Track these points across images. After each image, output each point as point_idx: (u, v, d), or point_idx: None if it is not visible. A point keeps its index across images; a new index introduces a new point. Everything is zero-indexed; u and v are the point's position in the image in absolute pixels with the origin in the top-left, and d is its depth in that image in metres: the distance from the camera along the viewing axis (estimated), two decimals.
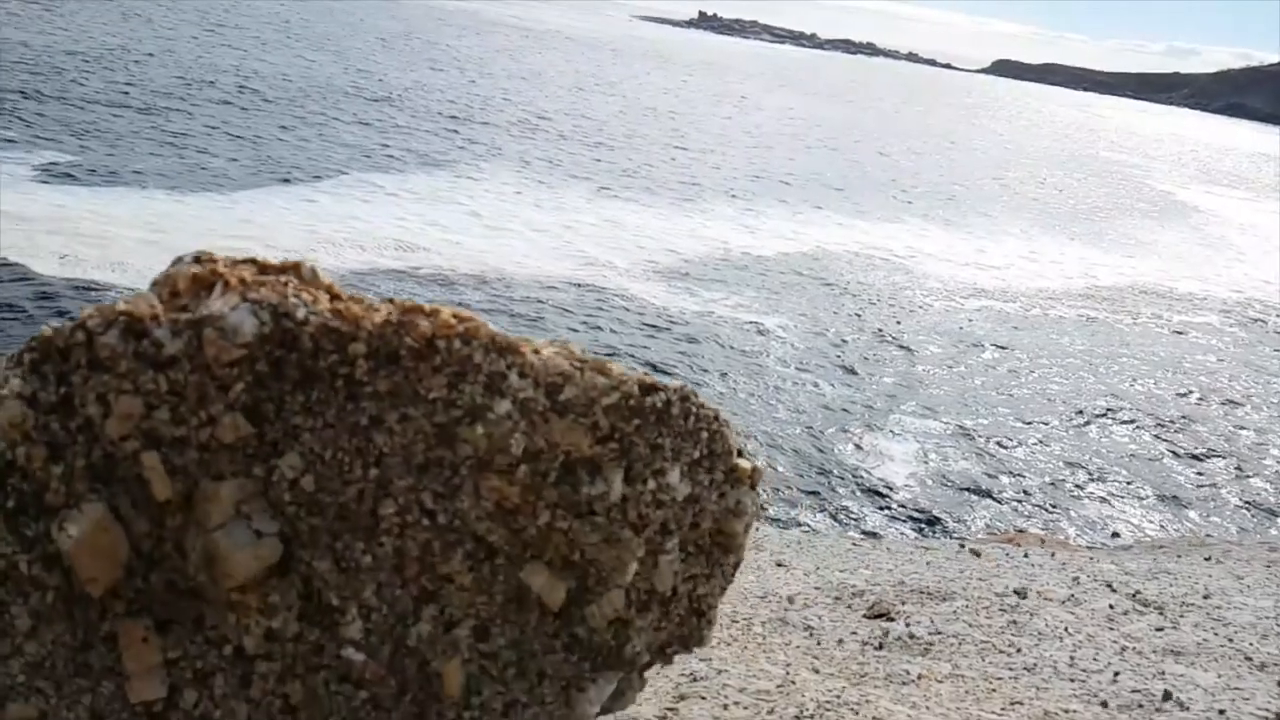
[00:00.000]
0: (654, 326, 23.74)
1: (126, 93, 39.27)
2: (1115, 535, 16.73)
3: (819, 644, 3.01)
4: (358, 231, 26.70)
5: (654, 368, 21.19)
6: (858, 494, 17.54)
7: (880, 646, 3.03)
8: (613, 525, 1.45)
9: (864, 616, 3.38)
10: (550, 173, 38.59)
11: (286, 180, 30.81)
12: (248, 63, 51.52)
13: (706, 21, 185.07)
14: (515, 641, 1.44)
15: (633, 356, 21.68)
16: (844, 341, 24.80)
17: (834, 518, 16.62)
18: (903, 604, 3.52)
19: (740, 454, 1.59)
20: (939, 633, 3.15)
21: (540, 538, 1.42)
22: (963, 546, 5.35)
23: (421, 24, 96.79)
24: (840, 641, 3.06)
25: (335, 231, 26.22)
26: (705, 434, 1.55)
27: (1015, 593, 3.73)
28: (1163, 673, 2.92)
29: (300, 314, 1.29)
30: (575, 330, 22.63)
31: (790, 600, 3.50)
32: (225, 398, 1.27)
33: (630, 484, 1.47)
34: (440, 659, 1.40)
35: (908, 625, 3.22)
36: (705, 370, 21.52)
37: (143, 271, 22.04)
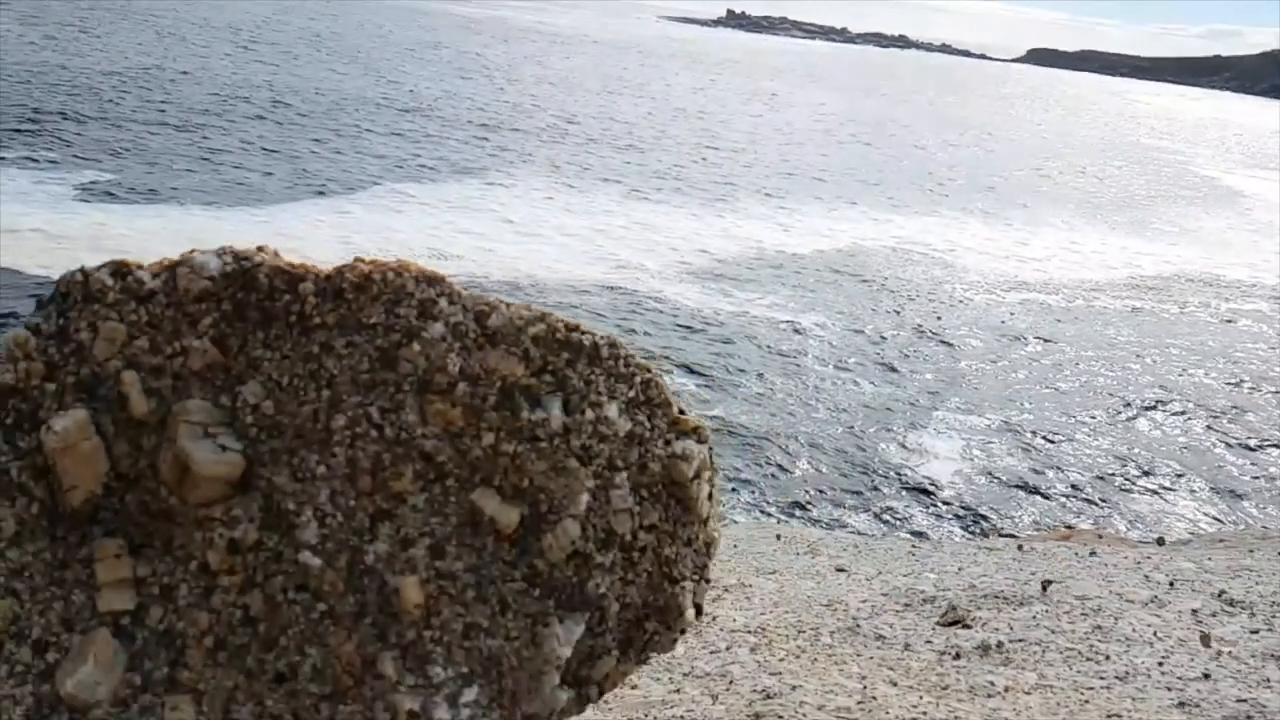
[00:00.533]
0: (688, 328, 23.55)
1: (163, 111, 39.85)
2: (1171, 529, 16.28)
3: (894, 654, 2.85)
4: (391, 241, 26.79)
5: (689, 369, 21.02)
6: (903, 493, 17.22)
7: (958, 656, 2.86)
8: (558, 453, 1.54)
9: (937, 624, 3.21)
10: (580, 177, 38.55)
11: (321, 193, 31.04)
12: (280, 78, 52.11)
13: (735, 19, 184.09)
14: (473, 566, 1.50)
15: (668, 358, 21.51)
16: (883, 338, 24.44)
17: (879, 518, 16.33)
18: (977, 610, 3.33)
19: (681, 411, 1.69)
20: (1020, 640, 2.97)
21: (487, 460, 1.52)
22: (1020, 548, 5.13)
23: (449, 33, 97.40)
24: (915, 651, 2.90)
25: (369, 242, 26.32)
26: (639, 380, 1.65)
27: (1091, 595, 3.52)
28: (1267, 680, 2.69)
29: (257, 259, 1.53)
30: (609, 334, 22.48)
31: (857, 608, 3.36)
32: (195, 330, 1.47)
33: (569, 414, 1.57)
34: (397, 576, 1.47)
35: (985, 632, 3.05)
36: (742, 370, 21.29)
37: None
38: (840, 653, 2.88)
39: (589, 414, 1.59)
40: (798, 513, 16.12)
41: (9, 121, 34.78)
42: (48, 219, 25.40)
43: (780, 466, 17.51)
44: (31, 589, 1.41)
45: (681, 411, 1.69)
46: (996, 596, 3.51)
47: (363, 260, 1.59)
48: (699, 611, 1.73)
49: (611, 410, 1.61)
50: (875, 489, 17.22)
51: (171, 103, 41.65)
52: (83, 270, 1.50)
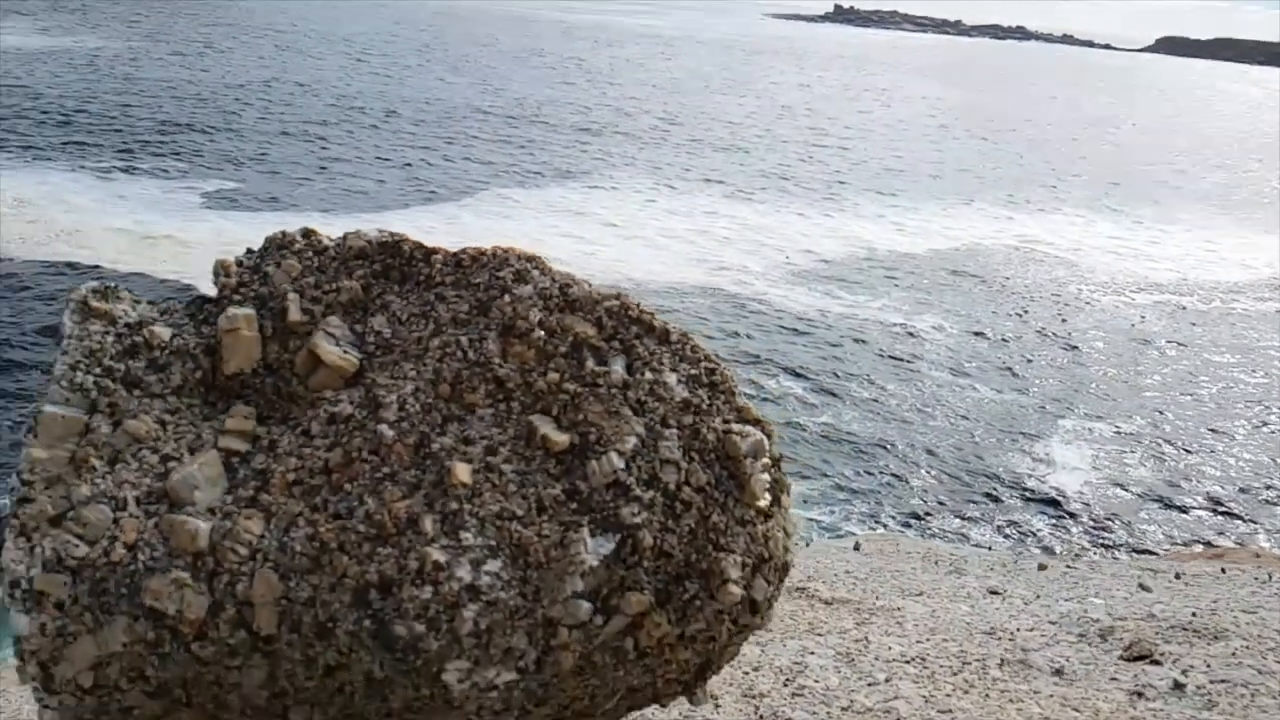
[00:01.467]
0: (794, 331, 22.89)
1: (282, 122, 41.39)
2: None
3: (1076, 692, 2.56)
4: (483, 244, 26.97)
5: (795, 373, 20.39)
6: (1028, 505, 16.23)
7: (1152, 697, 2.57)
8: (614, 400, 1.79)
9: (1121, 658, 2.88)
10: (683, 178, 38.21)
11: (430, 199, 31.62)
12: (392, 88, 53.59)
13: (842, 14, 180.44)
14: (520, 471, 1.75)
15: (772, 361, 20.92)
16: (1003, 342, 23.24)
17: (1002, 531, 15.41)
18: (1165, 643, 2.97)
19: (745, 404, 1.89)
20: (1223, 681, 2.64)
21: (549, 393, 1.80)
22: (1178, 576, 4.53)
23: (553, 40, 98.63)
24: (1101, 689, 2.59)
25: (466, 246, 26.57)
26: (704, 364, 1.91)
27: None
28: None
29: (404, 236, 2.01)
30: (712, 337, 22.05)
31: (1025, 636, 3.01)
32: (349, 275, 1.94)
33: (630, 374, 1.83)
34: (453, 461, 1.73)
35: (1178, 670, 2.71)
36: (851, 375, 20.52)
37: None
38: (1014, 689, 2.59)
39: (648, 375, 1.85)
40: (914, 523, 15.34)
41: (142, 134, 36.68)
42: (178, 226, 26.56)
43: (895, 475, 16.74)
44: (176, 423, 1.82)
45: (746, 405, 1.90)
46: (1184, 629, 3.13)
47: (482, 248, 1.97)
48: (755, 608, 1.81)
49: (670, 378, 1.86)
50: (998, 500, 16.29)
51: (290, 114, 43.24)
52: (283, 231, 2.00)
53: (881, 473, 16.80)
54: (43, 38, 63.65)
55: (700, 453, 1.80)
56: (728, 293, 25.26)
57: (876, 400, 19.57)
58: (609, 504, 1.73)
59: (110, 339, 1.85)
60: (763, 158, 44.00)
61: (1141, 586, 4.01)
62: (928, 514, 15.73)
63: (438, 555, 1.64)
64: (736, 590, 1.76)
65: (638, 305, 1.89)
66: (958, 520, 15.63)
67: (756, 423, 1.88)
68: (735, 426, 1.85)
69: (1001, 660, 2.91)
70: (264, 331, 1.89)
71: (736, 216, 33.01)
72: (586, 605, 1.68)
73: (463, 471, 1.72)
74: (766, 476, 1.85)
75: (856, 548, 5.52)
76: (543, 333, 1.84)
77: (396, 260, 1.98)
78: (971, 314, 25.02)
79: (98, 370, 1.80)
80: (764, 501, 1.82)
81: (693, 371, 1.87)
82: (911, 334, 23.35)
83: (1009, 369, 21.69)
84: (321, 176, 33.25)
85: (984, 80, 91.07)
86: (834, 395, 19.64)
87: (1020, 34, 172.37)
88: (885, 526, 15.06)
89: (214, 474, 1.75)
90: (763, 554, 1.81)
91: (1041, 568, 4.72)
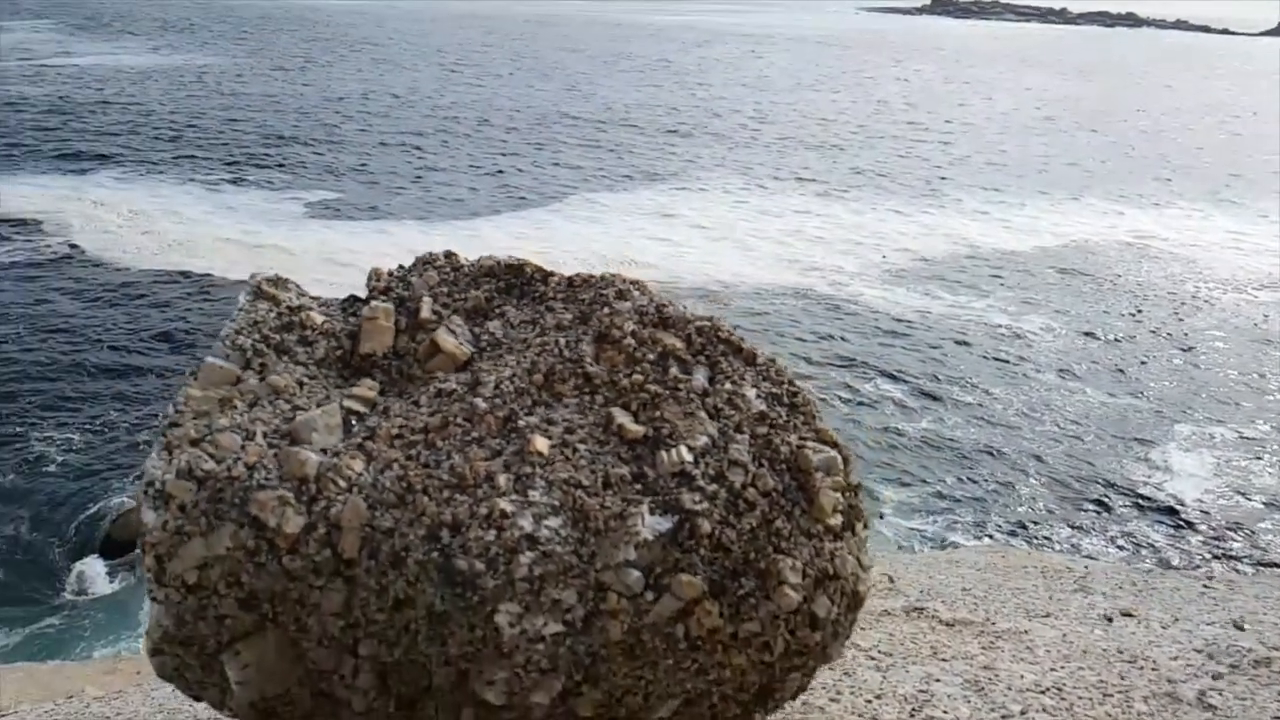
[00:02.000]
0: (892, 333, 22.18)
1: (380, 133, 42.48)
2: None
3: None
4: (586, 250, 27.03)
5: (893, 376, 19.73)
6: (1144, 514, 15.29)
7: None
8: (691, 404, 2.01)
9: None
10: (775, 178, 37.66)
11: (521, 205, 31.91)
12: (484, 97, 54.50)
13: (940, 6, 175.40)
14: (593, 451, 1.94)
15: (869, 364, 20.30)
16: (1115, 343, 22.06)
17: (1115, 541, 14.56)
18: None
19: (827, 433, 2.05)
20: None
21: (632, 391, 2.04)
22: None
23: (642, 42, 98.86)
24: None
25: (565, 252, 26.68)
26: (786, 385, 2.11)
27: None
28: None
29: (529, 260, 2.45)
30: (804, 339, 21.55)
31: (1169, 666, 2.82)
32: (477, 287, 2.37)
33: (711, 384, 2.07)
34: (535, 436, 1.95)
35: None
36: (953, 379, 19.75)
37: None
38: None
39: (728, 386, 2.04)
40: (1022, 533, 14.62)
41: (248, 146, 38.16)
42: (283, 235, 27.46)
43: (1001, 483, 15.99)
44: (311, 385, 2.13)
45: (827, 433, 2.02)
46: None
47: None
48: (816, 623, 1.83)
49: (749, 392, 2.04)
50: (1110, 509, 15.40)
51: (387, 125, 44.36)
52: (429, 251, 2.43)
53: (986, 480, 16.08)
54: (154, 56, 67.00)
55: (771, 461, 1.92)
56: (821, 294, 24.69)
57: (980, 405, 18.78)
58: (672, 490, 1.86)
59: (272, 315, 2.22)
60: (857, 155, 43.07)
61: None
62: (1036, 523, 14.98)
63: (505, 505, 1.82)
64: (793, 595, 1.81)
65: (729, 328, 2.09)
66: (1068, 530, 14.83)
67: (834, 445, 1.97)
68: (811, 444, 1.96)
69: (1148, 694, 2.71)
70: (398, 325, 2.25)
71: (830, 216, 32.33)
72: (638, 575, 1.78)
73: (541, 443, 1.92)
74: (839, 496, 1.92)
75: (964, 562, 5.12)
76: (634, 341, 2.09)
77: (518, 279, 2.37)
78: (1081, 314, 23.85)
79: (256, 336, 2.17)
80: (834, 520, 1.89)
81: (774, 390, 2.04)
82: (1017, 335, 22.38)
83: (1121, 371, 20.57)
84: (417, 185, 33.95)
85: (1092, 69, 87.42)
86: (935, 399, 18.93)
87: (1130, 21, 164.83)
88: (992, 537, 14.39)
89: (333, 423, 2.01)
90: (827, 570, 1.86)
91: (1206, 590, 4.35)
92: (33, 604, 12.09)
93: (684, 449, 1.90)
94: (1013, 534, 14.64)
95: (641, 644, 1.77)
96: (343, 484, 1.88)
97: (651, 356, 2.05)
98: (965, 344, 21.71)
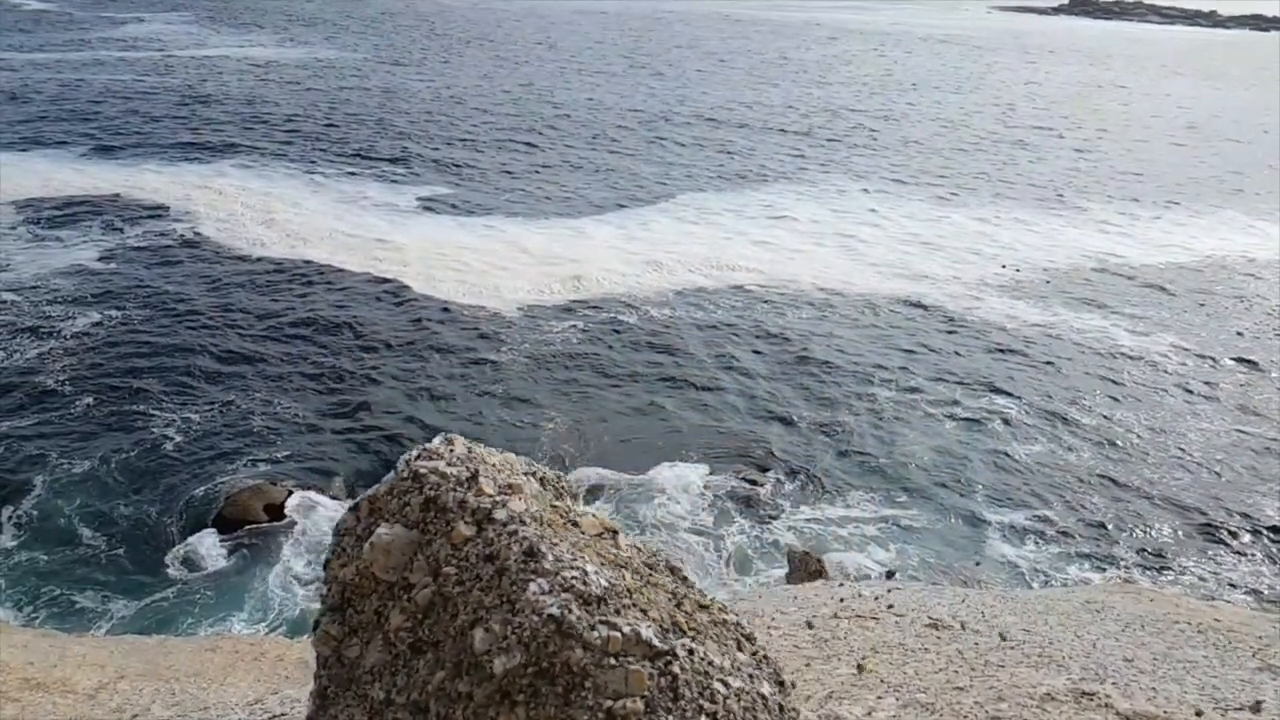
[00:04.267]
0: (1007, 349, 21.02)
1: (493, 129, 43.04)
2: None
3: None
4: (686, 253, 26.63)
5: (1006, 394, 18.68)
6: (1273, 552, 13.95)
7: None
8: None
9: None
10: (890, 182, 36.43)
11: (626, 205, 31.73)
12: (598, 94, 54.67)
13: (1078, 6, 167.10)
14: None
15: (980, 381, 19.26)
16: (1249, 368, 20.35)
17: (1243, 584, 13.32)
18: None
19: None
20: None
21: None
22: None
23: (761, 39, 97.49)
24: None
25: (664, 254, 26.36)
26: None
27: None
28: None
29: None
30: (913, 352, 20.62)
31: None
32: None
33: None
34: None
35: None
36: (1072, 401, 18.53)
37: (487, 291, 23.50)
38: None
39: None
40: (1141, 568, 13.52)
41: (367, 139, 39.22)
42: (395, 229, 28.06)
43: (1119, 513, 14.87)
44: None
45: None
46: None
47: None
48: None
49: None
50: (1236, 546, 14.12)
51: (500, 122, 44.92)
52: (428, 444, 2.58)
53: (1102, 509, 15.00)
54: (280, 49, 69.85)
55: None
56: (934, 305, 23.64)
57: (1098, 428, 17.58)
58: None
59: None
60: (982, 160, 41.32)
61: None
62: (1158, 557, 13.85)
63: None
64: None
65: None
66: (1193, 567, 13.66)
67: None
68: None
69: None
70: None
71: (949, 222, 31.04)
72: None
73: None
74: None
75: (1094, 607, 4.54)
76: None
77: None
78: (1213, 336, 22.13)
79: None
80: None
81: None
82: (1142, 356, 20.90)
83: (1255, 399, 18.95)
84: (527, 182, 34.20)
85: (1241, 77, 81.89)
86: (1050, 421, 17.82)
87: None
88: (1107, 570, 13.35)
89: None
90: None
91: None
92: (147, 576, 12.55)
93: None
94: (1132, 568, 13.58)
95: None
96: None
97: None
98: (1085, 363, 20.40)
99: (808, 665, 3.23)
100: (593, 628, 1.80)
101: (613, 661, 1.77)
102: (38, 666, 6.08)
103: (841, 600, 4.33)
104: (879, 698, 2.85)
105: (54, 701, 5.14)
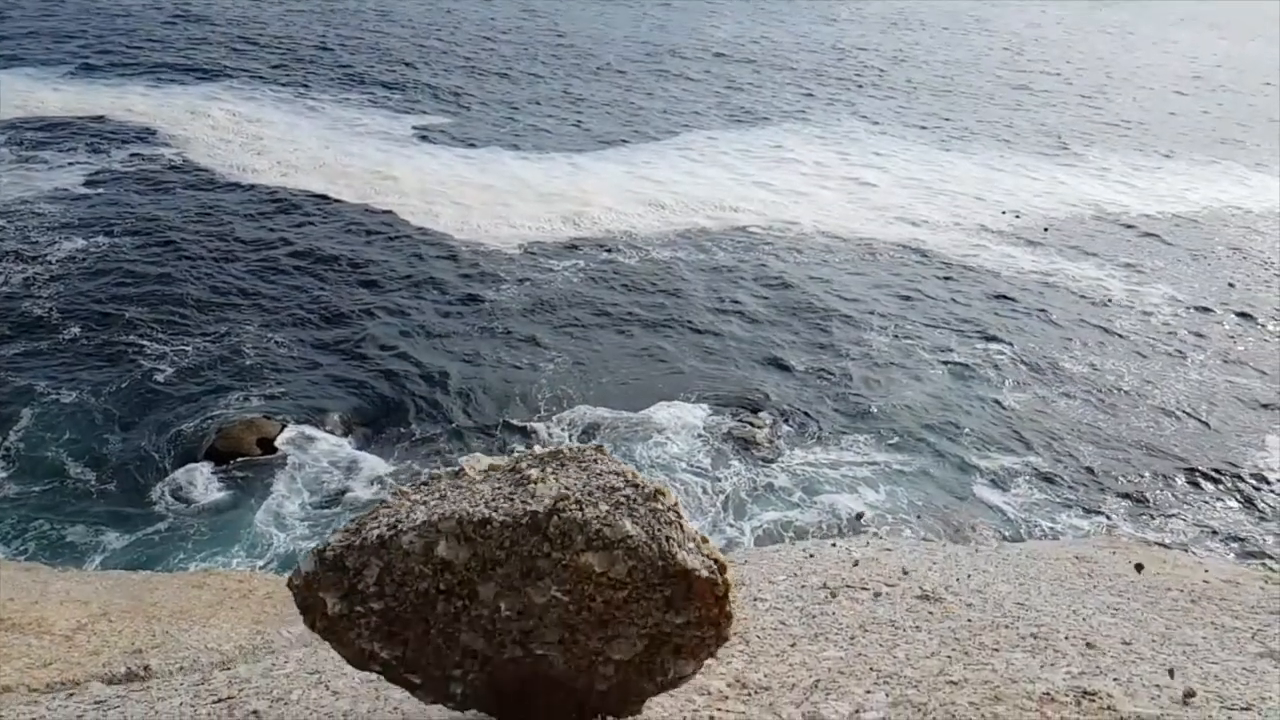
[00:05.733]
0: (1003, 296, 21.02)
1: (496, 60, 42.13)
2: None
3: None
4: (687, 193, 26.35)
5: (999, 342, 18.74)
6: (1260, 509, 14.16)
7: None
8: None
9: None
10: (896, 125, 35.98)
11: (628, 140, 31.28)
12: (602, 24, 53.46)
13: None
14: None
15: (974, 328, 19.30)
16: (1244, 320, 20.42)
17: (1239, 538, 13.50)
18: None
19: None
20: None
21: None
22: None
23: None
24: None
25: (666, 193, 26.07)
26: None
27: None
28: None
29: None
30: (909, 298, 20.60)
31: None
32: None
33: None
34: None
35: None
36: (1065, 350, 18.59)
37: (486, 227, 23.25)
38: None
39: None
40: (1126, 520, 13.73)
41: (366, 68, 38.21)
42: (394, 160, 27.56)
43: (1106, 462, 15.00)
44: None
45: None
46: None
47: None
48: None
49: None
50: (1222, 500, 14.32)
51: (503, 52, 43.93)
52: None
53: (1090, 458, 15.16)
54: None
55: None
56: (932, 250, 23.55)
57: (1089, 378, 17.69)
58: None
59: None
60: (988, 104, 40.80)
61: None
62: (1142, 507, 14.05)
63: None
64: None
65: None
66: (1178, 520, 13.85)
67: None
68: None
69: None
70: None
71: (952, 167, 30.77)
72: None
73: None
74: None
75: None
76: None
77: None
78: (1209, 287, 22.18)
79: None
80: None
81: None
82: (1137, 306, 20.95)
83: (1248, 351, 19.05)
84: (527, 115, 33.61)
85: (1250, 27, 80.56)
86: (1041, 370, 17.91)
87: None
88: (1094, 518, 13.55)
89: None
90: None
91: None
92: (135, 508, 12.50)
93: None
94: (1118, 516, 13.77)
95: None
96: None
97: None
98: (1079, 312, 20.44)
99: (793, 646, 3.13)
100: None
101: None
102: (17, 604, 6.03)
103: (829, 571, 4.26)
104: (868, 692, 2.74)
105: (29, 643, 5.07)
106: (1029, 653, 3.05)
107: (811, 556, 4.82)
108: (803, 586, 3.87)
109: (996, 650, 2.98)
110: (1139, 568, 3.60)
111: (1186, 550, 12.56)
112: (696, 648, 2.38)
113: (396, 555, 2.40)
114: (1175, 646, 3.22)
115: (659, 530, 2.32)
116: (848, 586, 3.84)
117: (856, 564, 4.48)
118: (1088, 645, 3.15)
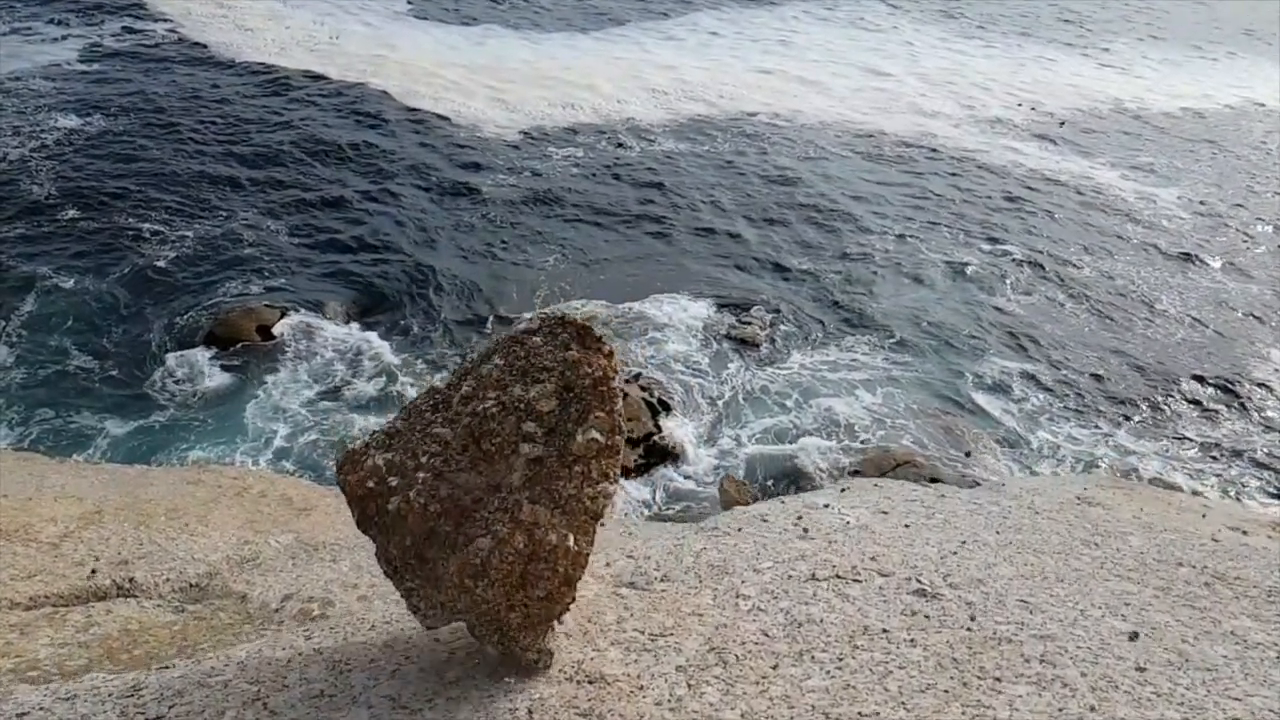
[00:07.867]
0: (1010, 196, 20.60)
1: None
2: None
3: None
4: (689, 79, 25.54)
5: (1001, 243, 18.47)
6: (1255, 426, 14.17)
7: None
8: None
9: None
10: (909, 11, 34.61)
11: (631, 19, 30.17)
12: None
13: None
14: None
15: (978, 228, 18.98)
16: (1258, 224, 20.07)
17: (1240, 452, 13.40)
18: None
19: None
20: None
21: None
22: None
23: None
24: None
25: (670, 80, 25.27)
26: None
27: None
28: None
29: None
30: (914, 198, 20.19)
31: None
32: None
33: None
34: None
35: None
36: (1070, 253, 18.29)
37: (482, 113, 22.64)
38: None
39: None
40: (1114, 438, 13.73)
41: None
42: (375, 41, 26.72)
43: (1104, 374, 14.91)
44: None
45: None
46: None
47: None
48: None
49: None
50: (1217, 416, 14.30)
51: None
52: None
53: (1089, 368, 15.08)
54: None
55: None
56: (941, 146, 22.98)
57: (1095, 283, 17.48)
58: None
59: None
60: None
61: None
62: (1147, 429, 13.89)
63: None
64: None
65: None
66: (1170, 440, 13.79)
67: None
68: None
69: None
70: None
71: (968, 56, 29.78)
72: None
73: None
74: None
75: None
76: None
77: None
78: (1225, 190, 21.72)
79: None
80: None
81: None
82: (1148, 208, 20.56)
83: (1260, 257, 18.79)
84: None
85: None
86: (1044, 273, 17.68)
87: None
88: (1084, 434, 13.57)
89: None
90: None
91: None
92: (133, 393, 12.50)
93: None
94: (1118, 432, 13.67)
95: None
96: None
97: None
98: (1088, 215, 20.08)
99: (775, 669, 2.89)
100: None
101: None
102: (11, 501, 6.00)
103: (819, 555, 4.04)
104: None
105: (14, 552, 5.01)
106: (1034, 685, 2.86)
107: (805, 532, 4.54)
108: (789, 576, 3.68)
109: (999, 682, 2.79)
110: (1134, 636, 3.31)
111: (1189, 474, 12.58)
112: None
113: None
114: (1194, 673, 3.02)
115: None
116: (838, 577, 3.69)
117: (841, 534, 4.36)
118: (1095, 670, 2.96)
